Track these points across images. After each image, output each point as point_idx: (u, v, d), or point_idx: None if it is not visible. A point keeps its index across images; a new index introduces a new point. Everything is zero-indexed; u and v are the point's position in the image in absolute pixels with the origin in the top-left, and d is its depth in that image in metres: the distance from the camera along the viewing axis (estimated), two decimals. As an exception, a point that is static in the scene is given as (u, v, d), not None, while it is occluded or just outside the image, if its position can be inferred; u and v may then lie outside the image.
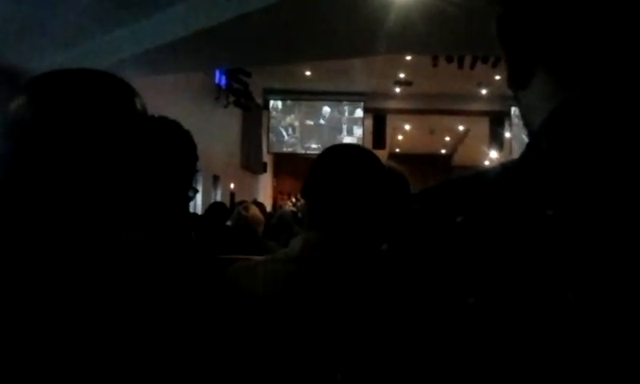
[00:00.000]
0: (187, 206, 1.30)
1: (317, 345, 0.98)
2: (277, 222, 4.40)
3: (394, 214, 0.44)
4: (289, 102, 13.29)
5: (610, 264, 0.34)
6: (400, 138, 16.29)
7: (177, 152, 1.24)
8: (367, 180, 1.21)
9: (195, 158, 1.28)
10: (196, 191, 1.30)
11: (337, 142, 3.80)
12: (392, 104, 13.29)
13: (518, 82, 0.46)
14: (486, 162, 13.53)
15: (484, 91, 12.14)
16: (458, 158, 17.24)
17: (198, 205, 7.97)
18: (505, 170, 0.43)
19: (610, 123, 0.39)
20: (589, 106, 0.40)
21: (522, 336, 0.34)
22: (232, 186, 10.74)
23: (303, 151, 13.08)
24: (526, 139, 0.46)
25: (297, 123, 13.27)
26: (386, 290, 0.40)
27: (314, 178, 1.23)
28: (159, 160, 1.12)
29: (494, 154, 12.90)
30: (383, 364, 0.39)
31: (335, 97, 13.04)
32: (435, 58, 9.65)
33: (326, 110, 13.16)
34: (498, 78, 10.25)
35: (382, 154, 12.20)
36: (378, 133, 13.17)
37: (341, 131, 13.01)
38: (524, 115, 0.48)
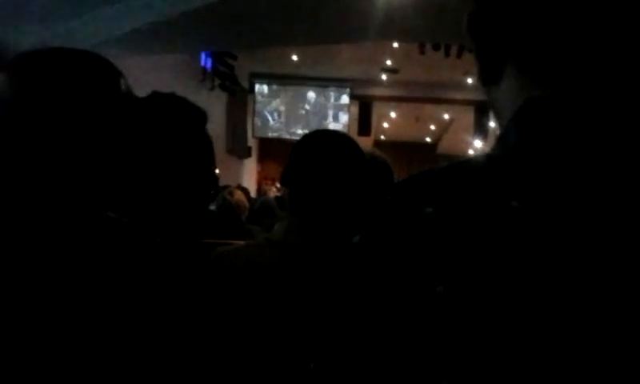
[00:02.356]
0: (203, 198, 1.23)
1: (294, 332, 0.98)
2: (259, 207, 4.39)
3: (367, 206, 0.45)
4: (275, 87, 13.19)
5: (573, 253, 0.35)
6: (385, 125, 16.27)
7: (180, 136, 1.18)
8: (347, 166, 1.21)
9: (208, 143, 1.22)
10: (216, 180, 1.23)
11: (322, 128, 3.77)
12: (378, 91, 13.26)
13: (488, 78, 0.48)
14: (470, 151, 13.59)
15: (470, 80, 12.15)
16: (443, 147, 17.28)
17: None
18: (476, 162, 0.44)
19: (576, 119, 0.40)
20: (556, 102, 0.41)
21: (489, 323, 0.35)
22: (217, 170, 10.68)
23: (288, 136, 13.01)
24: None
25: (282, 108, 13.19)
26: (358, 281, 0.41)
27: (294, 165, 1.23)
28: (155, 141, 1.10)
29: (478, 144, 12.96)
30: (354, 353, 0.40)
31: (321, 82, 12.96)
32: (422, 46, 9.64)
33: (312, 95, 13.09)
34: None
35: (367, 141, 12.19)
36: (364, 120, 13.14)
37: (326, 117, 12.96)
38: (494, 110, 0.49)
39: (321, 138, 1.29)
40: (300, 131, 12.60)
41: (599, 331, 0.34)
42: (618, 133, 0.39)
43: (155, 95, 1.17)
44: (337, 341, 0.41)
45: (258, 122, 13.24)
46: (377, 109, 13.61)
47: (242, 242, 1.28)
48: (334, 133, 1.34)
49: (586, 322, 0.34)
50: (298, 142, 1.28)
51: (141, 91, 1.15)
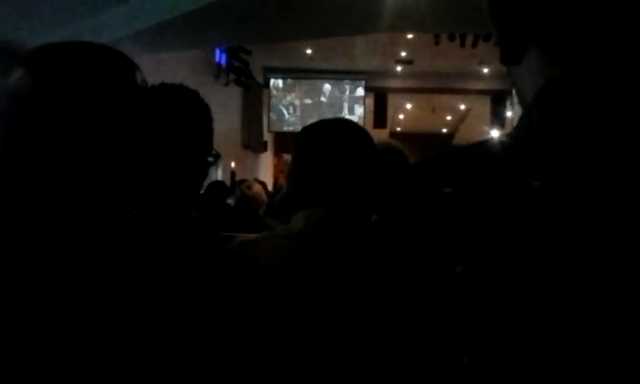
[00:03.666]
0: (202, 177, 1.23)
1: (314, 316, 0.98)
2: (281, 198, 4.39)
3: (386, 186, 0.45)
4: (289, 81, 13.20)
5: (594, 232, 0.35)
6: (401, 117, 16.21)
7: (186, 123, 1.18)
8: (358, 151, 1.20)
9: (209, 127, 1.22)
10: (217, 156, 1.24)
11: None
12: (393, 83, 13.21)
13: (511, 59, 0.48)
14: (488, 141, 13.44)
15: (486, 70, 12.05)
16: (460, 137, 17.16)
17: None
18: (496, 142, 0.44)
19: (598, 98, 0.39)
20: (579, 81, 0.41)
21: (509, 301, 0.35)
22: (233, 164, 10.72)
23: (304, 130, 13.00)
24: None
25: (297, 102, 13.19)
26: (376, 259, 0.41)
27: (303, 157, 1.22)
28: (166, 132, 1.10)
29: (495, 133, 12.85)
30: (373, 331, 0.40)
31: (336, 75, 12.94)
32: (437, 37, 9.57)
33: (327, 88, 13.07)
34: (500, 56, 10.12)
35: (383, 133, 12.14)
36: (379, 112, 13.10)
37: (342, 110, 12.93)
38: (517, 90, 0.50)
39: (324, 127, 1.26)
40: (315, 125, 12.56)
41: (620, 309, 0.33)
42: (638, 110, 0.38)
43: (163, 87, 1.17)
44: (356, 319, 0.41)
45: (273, 116, 13.27)
46: (392, 100, 13.55)
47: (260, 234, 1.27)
48: (342, 120, 1.31)
49: (606, 300, 0.34)
50: (300, 135, 1.26)
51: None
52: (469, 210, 0.38)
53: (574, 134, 0.38)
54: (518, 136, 0.43)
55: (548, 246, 0.35)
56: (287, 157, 12.08)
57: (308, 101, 13.12)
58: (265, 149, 13.61)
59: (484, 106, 13.12)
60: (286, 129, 13.38)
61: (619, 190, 0.36)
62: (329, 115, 12.58)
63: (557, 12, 0.43)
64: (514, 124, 0.45)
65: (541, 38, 0.44)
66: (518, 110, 0.48)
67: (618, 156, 0.37)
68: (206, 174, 1.23)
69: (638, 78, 0.40)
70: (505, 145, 0.43)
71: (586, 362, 0.33)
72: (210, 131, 1.22)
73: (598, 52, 0.41)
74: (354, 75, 12.90)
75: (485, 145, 0.44)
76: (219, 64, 9.97)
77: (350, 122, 1.30)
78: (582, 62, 0.41)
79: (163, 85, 1.18)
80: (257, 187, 3.69)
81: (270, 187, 7.87)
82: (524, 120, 0.43)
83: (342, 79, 13.01)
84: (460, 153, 0.44)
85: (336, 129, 1.23)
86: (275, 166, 15.13)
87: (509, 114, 12.67)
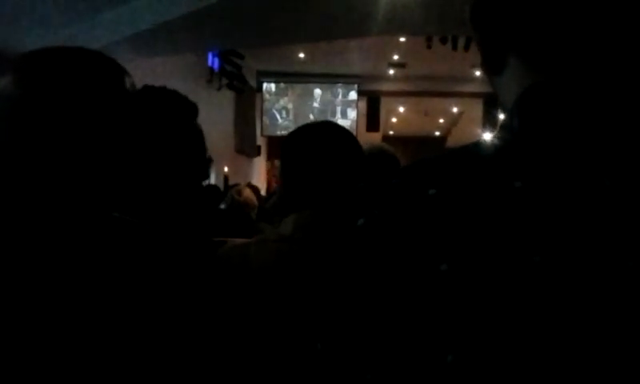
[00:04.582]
0: (195, 180, 1.22)
1: (303, 319, 0.98)
2: (274, 202, 4.39)
3: (372, 189, 0.46)
4: (282, 85, 13.21)
5: (573, 228, 0.36)
6: (394, 120, 16.24)
7: (171, 125, 1.15)
8: (345, 155, 1.20)
9: (196, 128, 1.20)
10: (209, 161, 1.23)
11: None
12: (386, 86, 13.24)
13: (492, 68, 0.49)
14: (480, 144, 13.48)
15: (478, 73, 12.08)
16: (453, 140, 17.22)
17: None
18: (479, 146, 0.45)
19: (574, 103, 0.41)
20: (556, 87, 0.42)
21: (493, 298, 0.36)
22: (226, 169, 10.71)
23: (297, 134, 13.00)
24: None
25: (290, 106, 13.21)
26: (362, 262, 0.42)
27: (291, 161, 1.22)
28: (152, 136, 1.09)
29: (488, 136, 12.87)
30: (359, 332, 0.41)
31: (329, 79, 12.96)
32: (429, 40, 9.60)
33: (320, 92, 13.10)
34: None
35: (376, 137, 12.13)
36: (372, 115, 13.12)
37: (334, 114, 12.95)
38: (499, 99, 0.51)
39: (310, 131, 1.26)
40: (308, 128, 12.57)
41: (602, 306, 0.34)
42: (616, 114, 0.40)
43: (146, 89, 1.16)
44: (343, 320, 0.42)
45: (266, 120, 13.27)
46: (385, 104, 13.58)
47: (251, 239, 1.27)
48: (321, 123, 1.32)
49: (587, 293, 0.35)
50: (287, 139, 1.27)
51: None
52: (453, 209, 0.39)
53: (552, 137, 0.40)
54: (500, 140, 0.44)
55: (529, 243, 0.36)
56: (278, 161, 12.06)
57: (301, 105, 13.14)
58: (258, 153, 13.61)
59: (477, 108, 13.17)
60: (279, 133, 13.37)
61: (595, 188, 0.37)
62: (321, 119, 12.61)
63: (535, 23, 0.44)
64: (500, 122, 0.47)
65: (519, 47, 0.46)
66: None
67: (594, 156, 0.38)
68: (202, 175, 1.22)
69: (612, 83, 0.42)
70: (488, 148, 0.45)
71: (570, 356, 0.34)
72: (198, 132, 1.21)
73: (574, 60, 0.43)
74: (346, 79, 12.92)
75: (468, 148, 0.46)
76: (212, 68, 9.96)
77: (335, 124, 1.30)
78: (560, 70, 0.43)
79: (145, 87, 1.16)
80: (247, 192, 3.68)
81: (263, 192, 7.88)
82: (506, 125, 0.45)
83: (335, 83, 13.03)
84: (444, 157, 0.45)
85: (321, 132, 1.24)
86: (268, 171, 15.12)
87: (501, 116, 12.64)
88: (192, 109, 1.20)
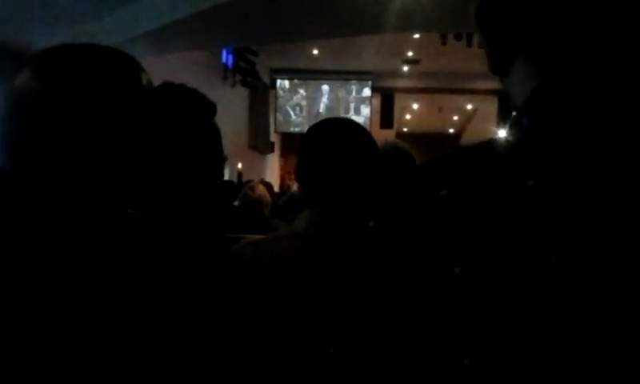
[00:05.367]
0: (211, 177, 1.21)
1: (316, 319, 0.98)
2: (287, 200, 4.39)
3: (382, 191, 0.46)
4: (296, 82, 13.21)
5: (589, 228, 0.36)
6: (408, 117, 16.18)
7: (189, 122, 1.15)
8: (360, 151, 1.20)
9: (213, 125, 1.19)
10: (224, 159, 1.22)
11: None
12: (400, 83, 13.19)
13: (499, 70, 0.50)
14: (495, 141, 13.41)
15: (493, 70, 12.02)
16: (467, 137, 17.12)
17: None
18: (490, 145, 0.45)
19: (585, 100, 0.41)
20: (564, 85, 0.42)
21: (508, 300, 0.35)
22: (240, 165, 10.75)
23: (310, 131, 13.01)
24: None
25: (304, 103, 13.21)
26: (375, 265, 0.42)
27: (307, 159, 1.22)
28: (169, 133, 1.09)
29: (502, 133, 12.79)
30: (374, 336, 0.40)
31: (342, 76, 12.94)
32: (444, 36, 9.56)
33: (334, 89, 13.08)
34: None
35: (389, 134, 12.11)
36: (386, 112, 13.08)
37: (348, 110, 12.94)
38: (509, 95, 0.51)
39: (328, 127, 1.26)
40: (322, 125, 12.55)
41: (619, 304, 0.34)
42: (626, 110, 0.40)
43: (166, 86, 1.15)
44: (355, 325, 0.42)
45: (279, 117, 13.29)
46: (399, 101, 13.54)
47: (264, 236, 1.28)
48: (339, 120, 1.32)
49: (604, 295, 0.34)
50: (305, 135, 1.27)
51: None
52: (465, 211, 0.39)
53: (564, 134, 0.40)
54: (511, 138, 0.44)
55: (545, 244, 0.35)
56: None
57: (314, 101, 13.13)
58: (272, 149, 13.64)
59: (491, 105, 13.07)
60: (292, 129, 13.39)
61: (609, 186, 0.37)
62: (335, 116, 12.54)
63: (540, 23, 0.44)
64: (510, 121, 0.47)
65: (526, 47, 0.46)
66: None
67: (606, 153, 0.38)
68: (217, 174, 1.22)
69: (620, 80, 0.42)
70: (499, 147, 0.44)
71: (585, 358, 0.34)
72: (215, 130, 1.20)
73: (581, 58, 0.43)
74: (360, 75, 12.89)
75: (479, 146, 0.45)
76: (226, 65, 9.99)
77: (351, 121, 1.30)
78: (566, 68, 0.43)
79: (165, 84, 1.16)
80: (260, 188, 3.68)
81: (276, 188, 7.89)
82: (516, 123, 0.45)
83: (349, 79, 13.01)
84: (455, 156, 0.45)
85: (338, 129, 1.23)
86: (282, 167, 15.15)
87: (513, 114, 12.54)
88: (211, 107, 1.20)
